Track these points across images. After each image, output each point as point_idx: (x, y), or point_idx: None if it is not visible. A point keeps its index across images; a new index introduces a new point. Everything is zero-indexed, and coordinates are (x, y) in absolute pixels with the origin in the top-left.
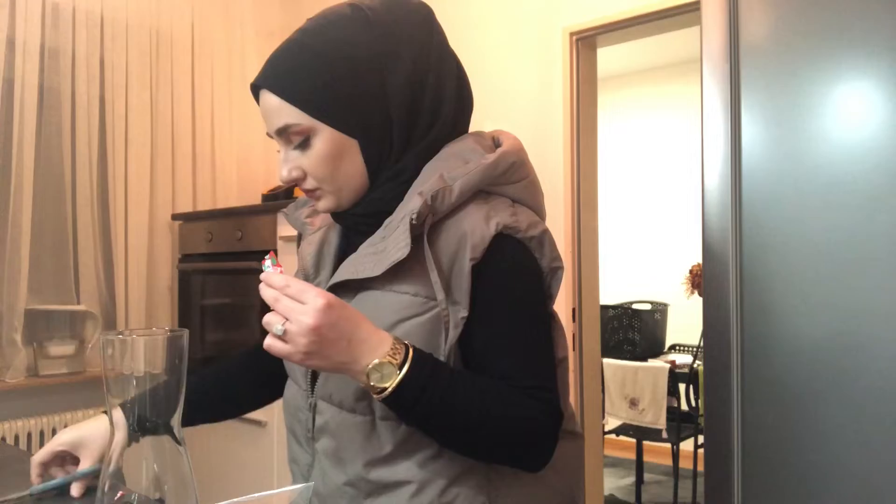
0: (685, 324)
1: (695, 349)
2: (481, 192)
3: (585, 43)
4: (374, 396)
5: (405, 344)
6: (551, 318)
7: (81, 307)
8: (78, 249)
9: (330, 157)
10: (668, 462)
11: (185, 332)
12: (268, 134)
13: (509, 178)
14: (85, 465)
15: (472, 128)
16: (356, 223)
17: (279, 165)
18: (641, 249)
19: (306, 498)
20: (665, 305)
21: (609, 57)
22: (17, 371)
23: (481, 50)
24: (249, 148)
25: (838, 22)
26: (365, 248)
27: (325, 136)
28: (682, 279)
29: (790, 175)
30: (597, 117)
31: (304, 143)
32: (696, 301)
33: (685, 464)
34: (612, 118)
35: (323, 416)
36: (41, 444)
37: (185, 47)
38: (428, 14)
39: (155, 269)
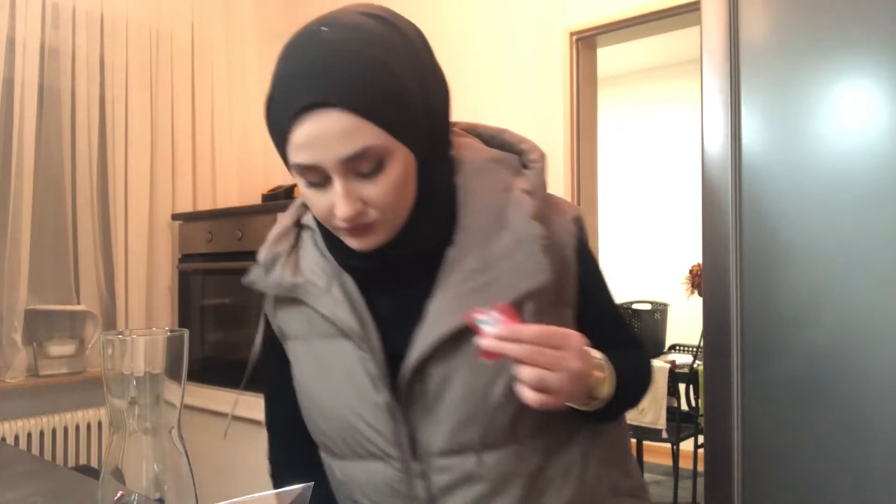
0: (685, 324)
1: (695, 349)
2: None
3: (585, 43)
4: (582, 408)
5: (596, 349)
6: None
7: (81, 307)
8: (78, 249)
9: (402, 182)
10: (668, 462)
11: (185, 332)
12: (303, 166)
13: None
14: None
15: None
16: (398, 264)
17: (337, 201)
18: (641, 249)
19: (306, 498)
20: (665, 305)
21: (609, 57)
22: (17, 371)
23: (482, 50)
24: (249, 148)
25: (838, 22)
26: (459, 285)
27: (400, 158)
28: (682, 279)
29: (790, 174)
30: (597, 117)
31: (377, 169)
32: (696, 301)
33: (685, 464)
34: (613, 118)
35: (449, 473)
36: (41, 445)
37: (185, 47)
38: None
39: (155, 269)
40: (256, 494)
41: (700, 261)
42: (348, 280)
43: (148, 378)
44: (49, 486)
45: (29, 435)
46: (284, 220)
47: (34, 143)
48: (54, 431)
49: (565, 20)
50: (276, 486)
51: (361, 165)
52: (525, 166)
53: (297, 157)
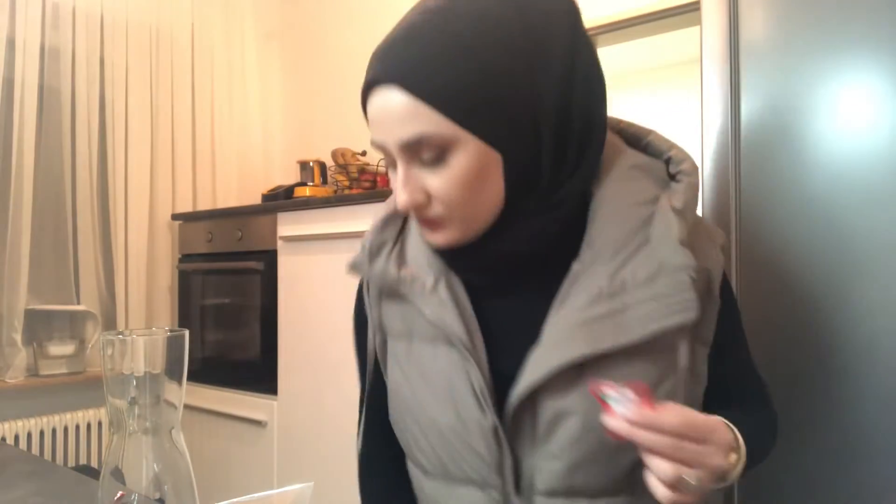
0: None
1: None
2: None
3: None
4: (716, 486)
5: (735, 431)
6: None
7: (81, 307)
8: (78, 249)
9: (472, 179)
10: None
11: (185, 332)
12: (375, 144)
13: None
14: None
15: None
16: (493, 265)
17: (397, 188)
18: None
19: (306, 498)
20: None
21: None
22: (17, 371)
23: None
24: (249, 148)
25: (838, 21)
26: (587, 308)
27: (468, 150)
28: None
29: (790, 174)
30: None
31: (439, 159)
32: None
33: None
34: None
35: None
36: (41, 444)
37: (185, 47)
38: (572, 4)
39: (155, 269)
40: (256, 494)
41: None
42: (456, 281)
43: (148, 378)
44: (49, 486)
45: (29, 435)
46: (391, 202)
47: (34, 143)
48: (54, 431)
49: None
50: (363, 478)
51: (422, 153)
52: (673, 177)
53: (371, 132)
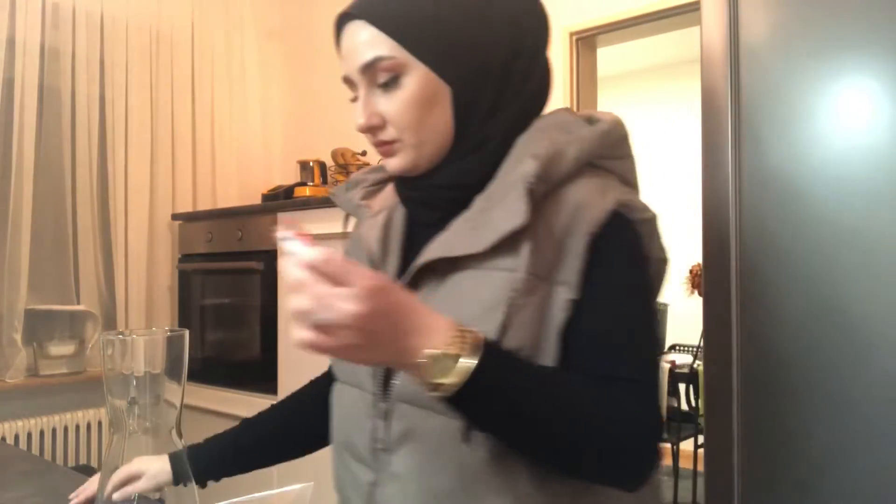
0: (685, 324)
1: (695, 349)
2: (590, 165)
3: (585, 43)
4: (432, 395)
5: (472, 331)
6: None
7: (81, 307)
8: (78, 249)
9: (420, 102)
10: (668, 462)
11: (185, 332)
12: (345, 79)
13: (619, 151)
14: (144, 480)
15: None
16: (433, 197)
17: (357, 111)
18: None
19: (306, 498)
20: (665, 305)
21: (609, 57)
22: (17, 371)
23: None
24: (249, 148)
25: (838, 22)
26: (460, 223)
27: (418, 76)
28: (682, 279)
29: (790, 174)
30: None
31: (392, 83)
32: (696, 301)
33: (685, 464)
34: None
35: (404, 423)
36: (41, 444)
37: (185, 47)
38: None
39: (155, 269)
40: (256, 494)
41: (700, 261)
42: (401, 213)
43: (148, 378)
44: (49, 486)
45: (29, 435)
46: None
47: (34, 143)
48: (54, 431)
49: (565, 20)
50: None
51: (378, 75)
52: None
53: (341, 70)
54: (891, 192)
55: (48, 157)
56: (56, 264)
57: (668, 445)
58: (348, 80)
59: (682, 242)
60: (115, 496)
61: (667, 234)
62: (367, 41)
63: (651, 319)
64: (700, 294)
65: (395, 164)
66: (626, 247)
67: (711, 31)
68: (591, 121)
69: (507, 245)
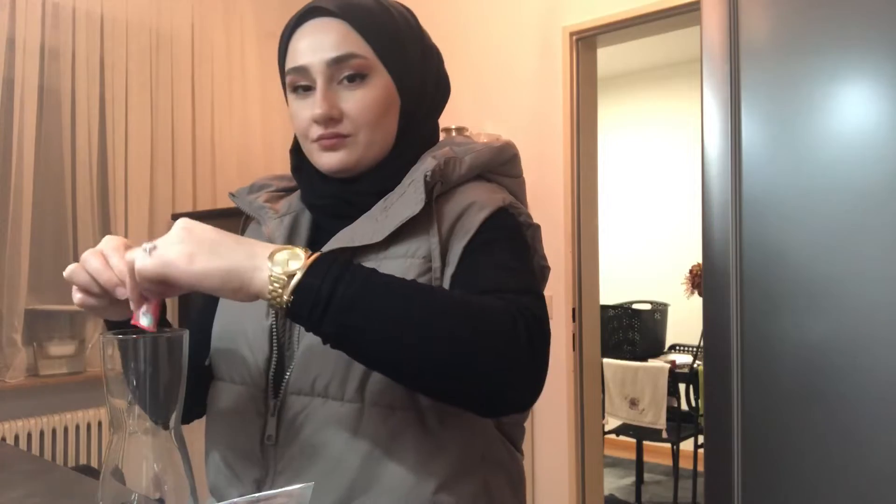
0: (685, 324)
1: (695, 349)
2: (482, 177)
3: (585, 43)
4: (275, 301)
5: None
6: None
7: None
8: (78, 249)
9: (380, 104)
10: (668, 462)
11: (186, 332)
12: (295, 68)
13: (509, 169)
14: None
15: (473, 127)
16: (345, 205)
17: (316, 101)
18: (641, 249)
19: (306, 498)
20: (665, 305)
21: (609, 57)
22: (17, 371)
23: (481, 49)
24: (249, 148)
25: (838, 22)
26: (362, 220)
27: (382, 81)
28: (682, 279)
29: (790, 174)
30: (597, 117)
31: (358, 80)
32: (696, 301)
33: (685, 464)
34: (612, 118)
35: (295, 415)
36: (41, 444)
37: (185, 47)
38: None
39: None
40: (256, 494)
41: (700, 261)
42: (307, 217)
43: (148, 378)
44: (49, 486)
45: (29, 435)
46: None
47: (34, 143)
48: (54, 431)
49: (565, 20)
50: None
51: (344, 70)
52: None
53: (291, 61)
54: (891, 191)
55: (48, 157)
56: (56, 264)
57: (669, 445)
58: (299, 70)
59: (682, 242)
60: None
61: (667, 234)
62: (343, 38)
63: (523, 263)
64: (700, 294)
65: (337, 158)
66: (510, 229)
67: (711, 31)
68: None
69: (403, 235)
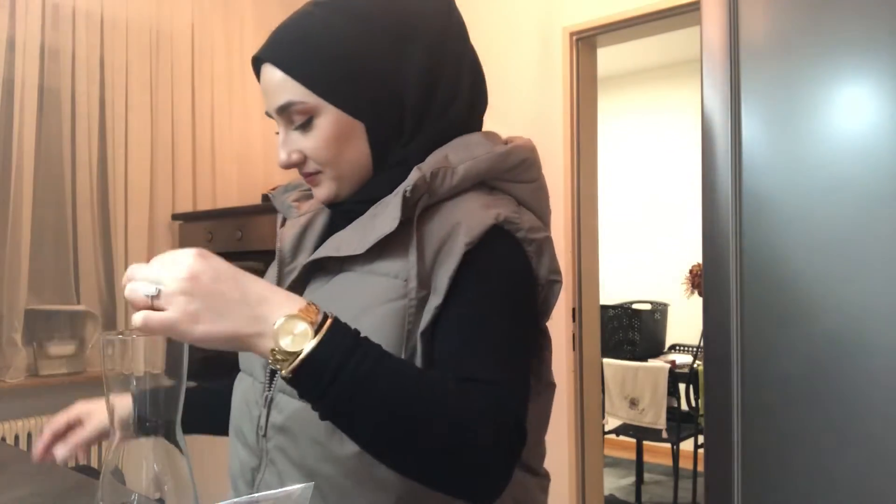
0: (685, 324)
1: (695, 349)
2: (485, 184)
3: (585, 43)
4: (279, 369)
5: (320, 309)
6: (541, 334)
7: (81, 307)
8: (78, 249)
9: (333, 140)
10: (668, 462)
11: None
12: (267, 113)
13: (518, 175)
14: (88, 427)
15: None
16: (351, 210)
17: (278, 149)
18: (641, 249)
19: (306, 498)
20: (665, 305)
21: (609, 57)
22: (17, 371)
23: (481, 49)
24: (249, 148)
25: (838, 22)
26: (353, 226)
27: (329, 118)
28: (682, 279)
29: (790, 174)
30: (597, 117)
31: (307, 125)
32: (696, 301)
33: (685, 464)
34: (612, 118)
35: (281, 412)
36: None
37: (185, 47)
38: (449, 2)
39: None
40: (257, 494)
41: (700, 261)
42: (324, 217)
43: (148, 378)
44: (49, 486)
45: (29, 435)
46: None
47: (34, 143)
48: None
49: (565, 20)
50: None
51: (293, 117)
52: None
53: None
54: (891, 191)
55: (48, 158)
56: (56, 264)
57: (669, 445)
58: (270, 116)
59: (682, 242)
60: (59, 453)
61: (667, 234)
62: (279, 85)
63: (516, 329)
64: (700, 294)
65: (320, 193)
66: (500, 258)
67: (711, 31)
68: (503, 143)
69: (387, 252)
